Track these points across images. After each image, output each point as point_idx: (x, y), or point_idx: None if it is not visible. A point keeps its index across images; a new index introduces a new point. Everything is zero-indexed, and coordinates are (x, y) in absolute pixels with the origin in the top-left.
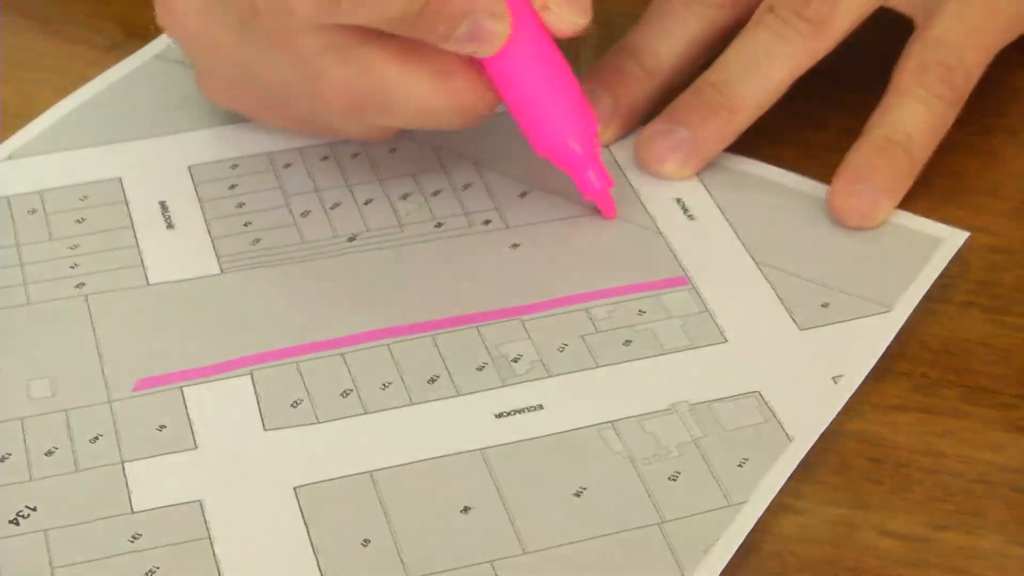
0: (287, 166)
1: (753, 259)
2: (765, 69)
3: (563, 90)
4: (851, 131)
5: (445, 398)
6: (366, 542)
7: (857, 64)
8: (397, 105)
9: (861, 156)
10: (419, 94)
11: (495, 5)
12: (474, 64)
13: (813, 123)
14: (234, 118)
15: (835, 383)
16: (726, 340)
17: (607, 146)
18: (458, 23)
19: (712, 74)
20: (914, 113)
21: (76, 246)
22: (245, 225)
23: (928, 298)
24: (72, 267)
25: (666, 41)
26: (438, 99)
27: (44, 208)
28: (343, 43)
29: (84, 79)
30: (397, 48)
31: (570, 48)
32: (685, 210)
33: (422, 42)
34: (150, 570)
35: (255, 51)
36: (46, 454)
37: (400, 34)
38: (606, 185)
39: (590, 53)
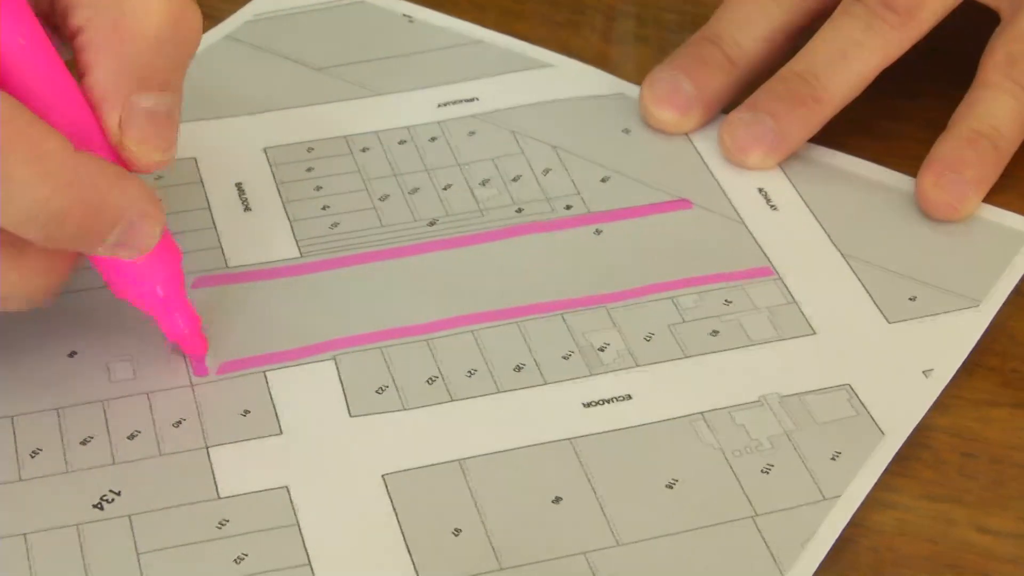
0: (364, 150)
1: (838, 250)
2: (852, 60)
3: None
4: (932, 124)
5: (532, 386)
6: (457, 531)
7: (938, 56)
8: None
9: (949, 148)
10: None
11: (147, 203)
12: None
13: (893, 115)
14: (308, 99)
15: (926, 377)
16: (814, 332)
17: (688, 134)
18: (109, 231)
19: (798, 64)
20: (1002, 105)
21: None
22: (323, 209)
23: (1016, 292)
24: None
25: (749, 29)
26: (12, 278)
27: None
28: None
29: None
30: None
31: (654, 41)
32: (768, 200)
33: None
34: (239, 556)
35: None
36: (128, 437)
37: (28, 238)
38: (194, 325)
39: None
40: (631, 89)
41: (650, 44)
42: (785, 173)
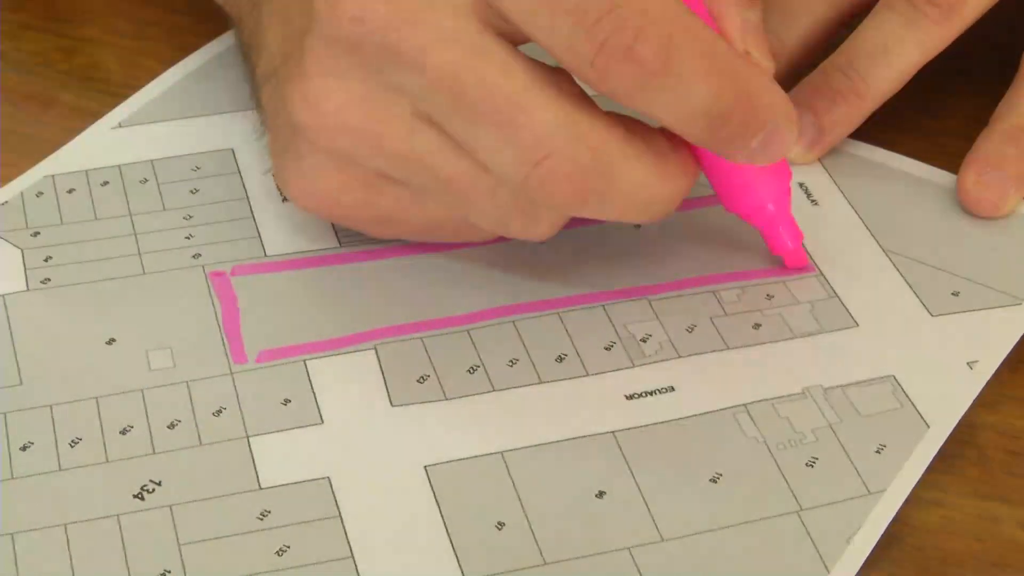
0: None
1: (880, 245)
2: (894, 54)
3: None
4: (971, 120)
5: (574, 377)
6: (500, 525)
7: (979, 52)
8: (618, 194)
9: (991, 144)
10: (643, 180)
11: (791, 109)
12: (685, 143)
13: (932, 111)
14: None
15: (970, 368)
16: (857, 324)
17: None
18: (758, 133)
19: (839, 58)
20: None
21: (190, 216)
22: None
23: None
24: (187, 238)
25: (790, 23)
26: (659, 186)
27: (156, 178)
28: (577, 117)
29: (187, 48)
30: (623, 128)
31: None
32: (808, 195)
33: (641, 122)
34: (280, 549)
35: (433, 138)
36: (168, 427)
37: (688, 137)
38: (797, 239)
39: None
40: None
41: None
42: (825, 168)
